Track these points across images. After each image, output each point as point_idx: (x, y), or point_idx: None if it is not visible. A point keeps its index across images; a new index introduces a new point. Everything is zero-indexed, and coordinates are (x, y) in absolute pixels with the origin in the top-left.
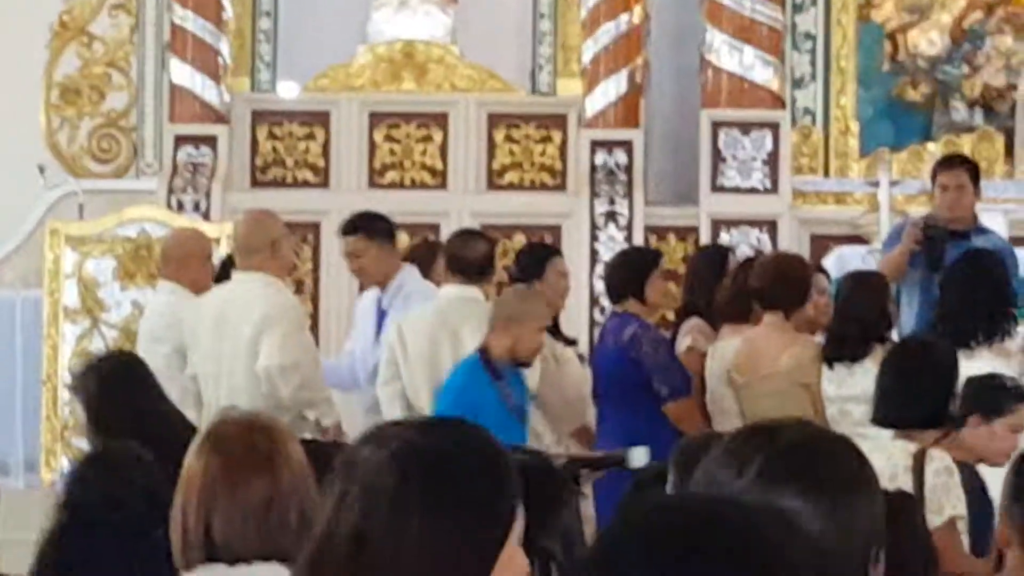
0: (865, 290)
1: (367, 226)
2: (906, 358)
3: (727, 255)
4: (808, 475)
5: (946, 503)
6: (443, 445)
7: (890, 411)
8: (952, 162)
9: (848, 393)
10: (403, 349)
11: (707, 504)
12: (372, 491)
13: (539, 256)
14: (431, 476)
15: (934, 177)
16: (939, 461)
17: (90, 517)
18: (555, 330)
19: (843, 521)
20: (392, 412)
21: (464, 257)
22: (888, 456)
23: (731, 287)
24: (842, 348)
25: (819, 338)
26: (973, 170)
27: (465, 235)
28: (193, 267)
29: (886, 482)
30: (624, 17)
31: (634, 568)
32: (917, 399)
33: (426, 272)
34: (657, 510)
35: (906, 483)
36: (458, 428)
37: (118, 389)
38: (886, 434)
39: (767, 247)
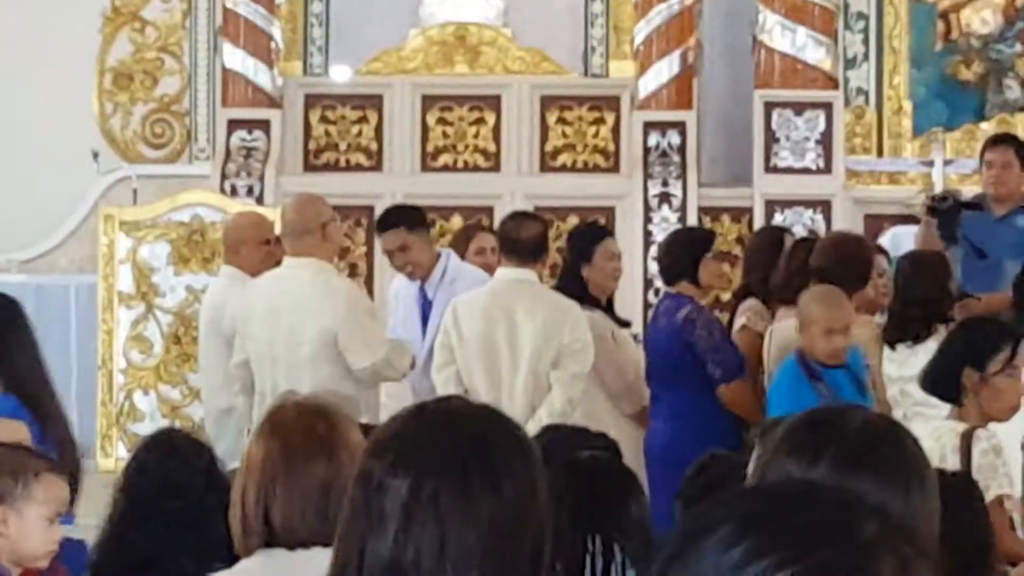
0: (926, 270)
1: (406, 219)
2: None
3: (783, 236)
4: (880, 463)
5: (992, 482)
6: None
7: (946, 386)
8: (999, 140)
9: (909, 373)
10: (458, 332)
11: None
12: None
13: (588, 238)
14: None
15: (982, 155)
16: (986, 441)
17: (149, 504)
18: (609, 312)
19: (916, 506)
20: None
21: (517, 239)
22: (937, 437)
23: (786, 268)
24: (905, 329)
25: (878, 318)
26: (1021, 148)
27: (518, 217)
28: (245, 252)
29: (936, 462)
30: None
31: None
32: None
33: (461, 255)
34: (744, 496)
35: (954, 463)
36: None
37: None
38: (942, 412)
39: (821, 228)
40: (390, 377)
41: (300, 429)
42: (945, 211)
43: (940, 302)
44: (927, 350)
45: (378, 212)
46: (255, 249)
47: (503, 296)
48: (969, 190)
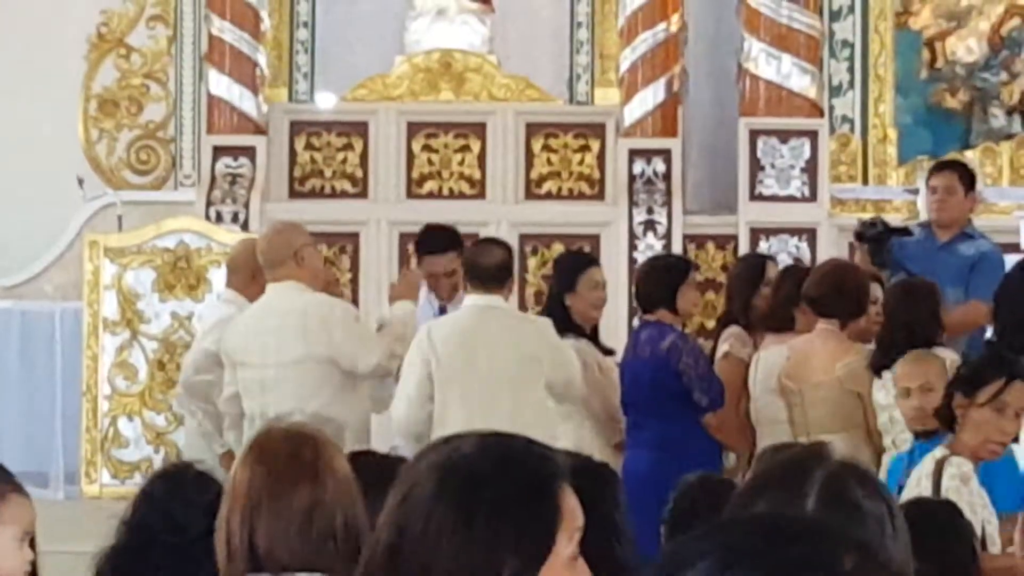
0: (913, 298)
1: (459, 243)
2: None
3: (765, 263)
4: (863, 505)
5: None
6: (484, 461)
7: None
8: (943, 165)
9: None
10: (435, 355)
11: (780, 520)
12: (408, 503)
13: (573, 267)
14: (466, 492)
15: (928, 181)
16: (955, 467)
17: (149, 537)
18: (594, 340)
19: (900, 545)
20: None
21: (479, 264)
22: (926, 471)
23: (774, 295)
24: (892, 355)
25: (871, 346)
26: (966, 174)
27: (481, 244)
28: (242, 277)
29: (912, 487)
30: (662, 25)
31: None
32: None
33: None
34: (727, 528)
35: (926, 489)
36: (507, 445)
37: None
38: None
39: (806, 256)
40: (393, 368)
41: (286, 454)
42: (873, 237)
43: (926, 327)
44: None
45: (364, 238)
46: (252, 277)
47: (475, 323)
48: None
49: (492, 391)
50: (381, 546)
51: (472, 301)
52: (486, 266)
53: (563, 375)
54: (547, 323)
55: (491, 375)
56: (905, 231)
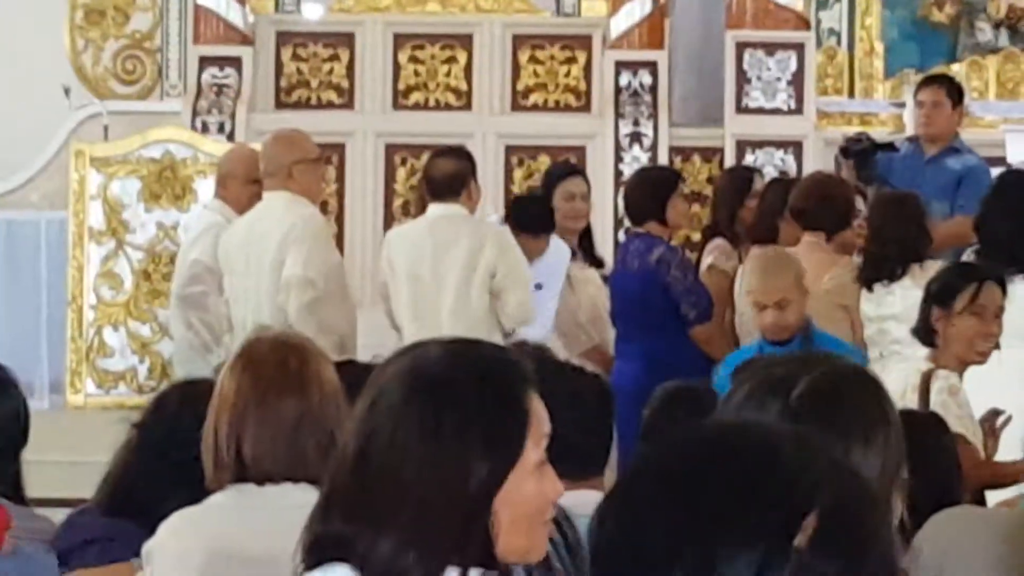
0: (901, 211)
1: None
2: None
3: (752, 176)
4: (843, 414)
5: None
6: (452, 367)
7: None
8: (931, 80)
9: (887, 312)
10: (391, 267)
11: (723, 430)
12: (376, 408)
13: (550, 178)
14: (434, 396)
15: (916, 95)
16: (943, 380)
17: (156, 450)
18: (587, 249)
19: (873, 461)
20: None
21: (431, 177)
22: (905, 377)
23: (758, 207)
24: (881, 269)
25: (855, 258)
26: (953, 89)
27: (437, 155)
28: (233, 186)
29: (898, 401)
30: None
31: (652, 503)
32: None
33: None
34: (672, 443)
35: (912, 402)
36: (475, 351)
37: None
38: (922, 352)
39: (792, 168)
40: (309, 320)
41: (273, 364)
42: (859, 152)
43: (916, 241)
44: (903, 288)
45: (350, 150)
46: (242, 185)
47: (425, 231)
48: None
49: (434, 296)
50: (349, 451)
51: (431, 211)
52: (438, 178)
53: (512, 298)
54: (501, 230)
55: (434, 281)
56: (891, 146)
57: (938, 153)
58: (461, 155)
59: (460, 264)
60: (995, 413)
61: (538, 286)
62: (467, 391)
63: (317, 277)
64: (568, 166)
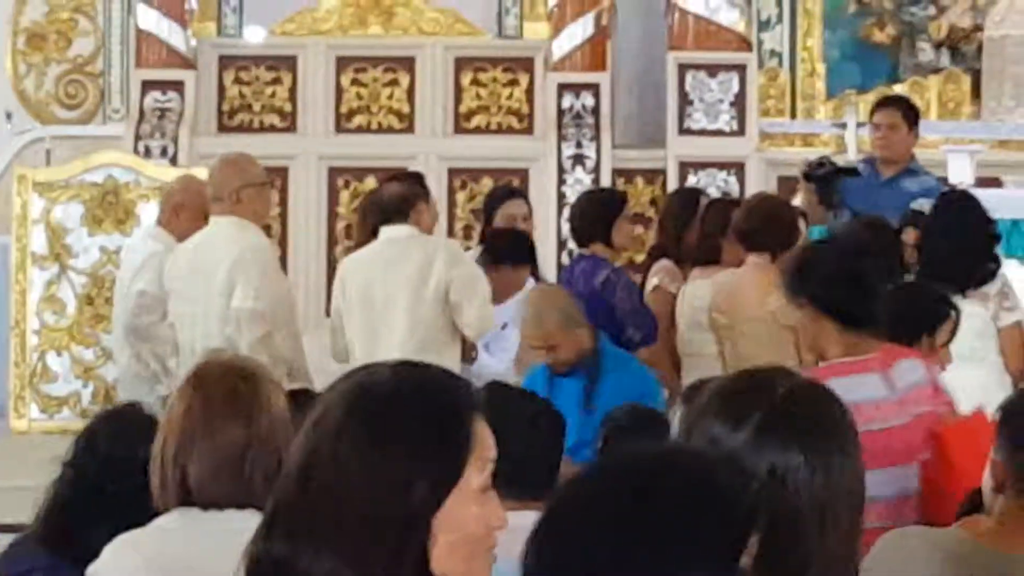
0: (882, 235)
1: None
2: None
3: (699, 198)
4: (807, 433)
5: None
6: (397, 386)
7: None
8: (887, 101)
9: None
10: (343, 291)
11: (657, 458)
12: (320, 426)
13: (493, 201)
14: (378, 414)
15: (871, 117)
16: None
17: (92, 480)
18: (531, 271)
19: (836, 477)
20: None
21: (378, 204)
22: None
23: (700, 229)
24: None
25: None
26: (910, 111)
27: (385, 180)
28: (185, 217)
29: None
30: None
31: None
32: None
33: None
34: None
35: None
36: (421, 372)
37: None
38: None
39: (735, 190)
40: (246, 338)
41: (222, 390)
42: (821, 177)
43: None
44: None
45: (293, 173)
46: (194, 217)
47: (377, 254)
48: None
49: (385, 319)
50: (293, 468)
51: (383, 233)
52: (386, 201)
53: (471, 312)
54: (450, 242)
55: (386, 303)
56: (853, 171)
57: (895, 175)
58: (412, 180)
59: (411, 281)
60: None
61: (503, 326)
62: (410, 410)
63: (267, 309)
64: (509, 188)
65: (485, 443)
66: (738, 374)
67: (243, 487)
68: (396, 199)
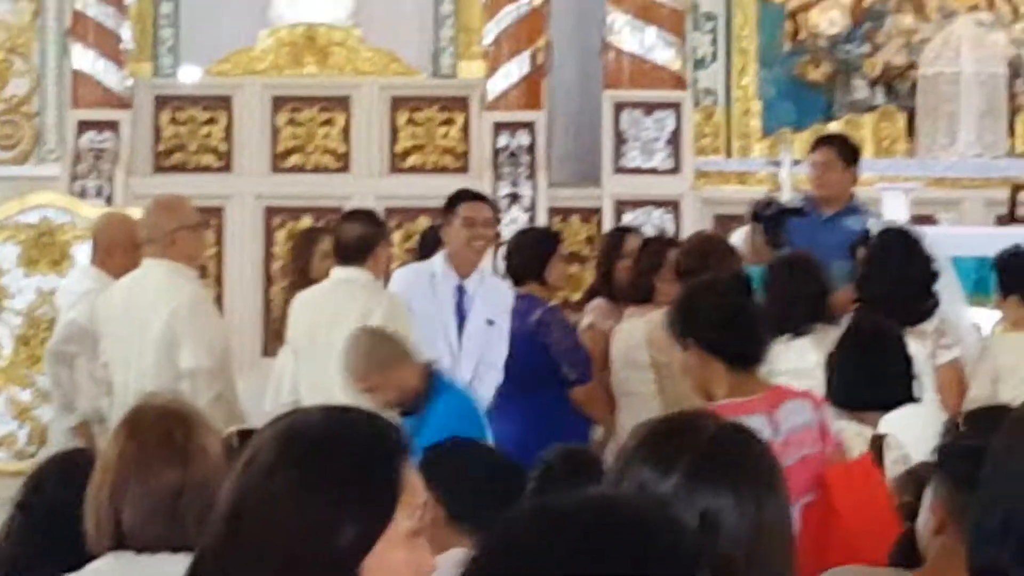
0: (804, 271)
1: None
2: (865, 342)
3: (624, 236)
4: (736, 474)
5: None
6: (328, 430)
7: (853, 394)
8: (823, 141)
9: (781, 368)
10: (295, 330)
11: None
12: (251, 468)
13: (433, 241)
14: (308, 457)
15: (810, 154)
16: (896, 451)
17: (41, 524)
18: None
19: (767, 517)
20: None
21: (338, 239)
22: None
23: (635, 267)
24: (786, 324)
25: None
26: (847, 149)
27: (345, 217)
28: (118, 255)
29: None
30: None
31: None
32: (881, 382)
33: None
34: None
35: None
36: (351, 416)
37: None
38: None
39: (670, 228)
40: (205, 396)
41: (157, 434)
42: (769, 217)
43: (816, 302)
44: (800, 348)
45: (228, 213)
46: (125, 253)
47: (325, 297)
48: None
49: (327, 363)
50: (223, 510)
51: (335, 274)
52: (344, 241)
53: None
54: (393, 297)
55: (329, 347)
56: (800, 211)
57: (835, 213)
58: (371, 220)
59: (350, 332)
60: None
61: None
62: (341, 453)
63: (217, 363)
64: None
65: (414, 489)
66: (662, 419)
67: (177, 530)
68: (357, 241)
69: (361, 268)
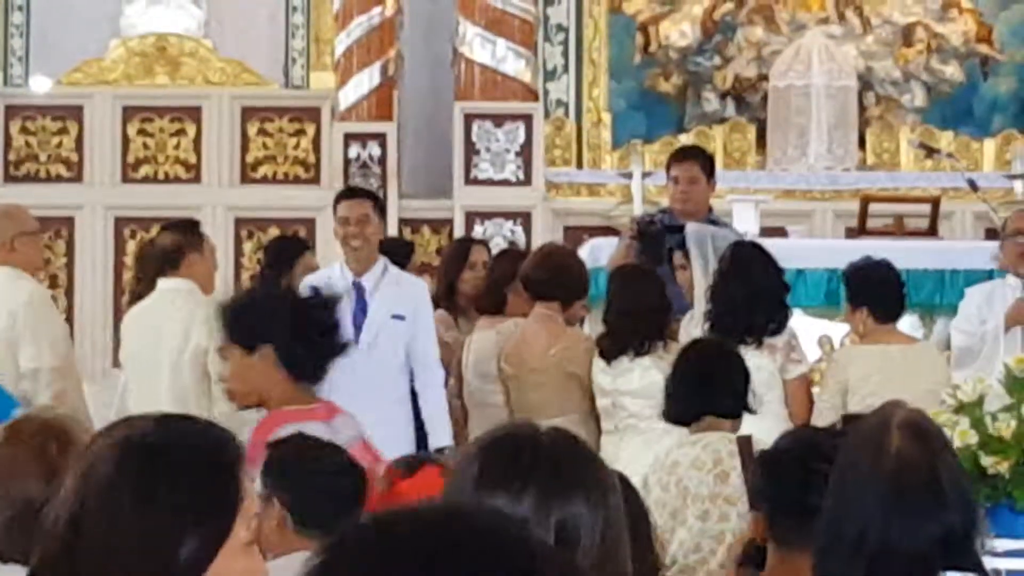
0: (646, 285)
1: (374, 197)
2: (703, 359)
3: (469, 246)
4: (584, 479)
5: None
6: (164, 439)
7: (688, 409)
8: (684, 154)
9: (625, 388)
10: (125, 345)
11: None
12: (89, 478)
13: (289, 251)
14: (146, 467)
15: (668, 169)
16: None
17: None
18: None
19: (612, 512)
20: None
21: (154, 251)
22: (704, 445)
23: (488, 278)
24: (625, 343)
25: (587, 330)
26: (706, 162)
27: (162, 228)
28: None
29: (711, 466)
30: (377, 10)
31: None
32: (716, 397)
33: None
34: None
35: (732, 467)
36: (187, 423)
37: None
38: (659, 427)
39: (521, 239)
40: (45, 395)
41: (32, 446)
42: (653, 235)
43: (661, 316)
44: (642, 368)
45: (79, 223)
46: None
47: (151, 308)
48: (667, 202)
49: (151, 374)
50: (61, 521)
51: (158, 286)
52: (157, 253)
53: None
54: (211, 306)
55: (153, 359)
56: (680, 228)
57: None
58: (183, 228)
59: (174, 343)
60: None
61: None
62: (181, 462)
63: (60, 360)
64: (299, 240)
65: (251, 497)
66: (493, 440)
67: (31, 546)
68: (167, 250)
69: (178, 276)
